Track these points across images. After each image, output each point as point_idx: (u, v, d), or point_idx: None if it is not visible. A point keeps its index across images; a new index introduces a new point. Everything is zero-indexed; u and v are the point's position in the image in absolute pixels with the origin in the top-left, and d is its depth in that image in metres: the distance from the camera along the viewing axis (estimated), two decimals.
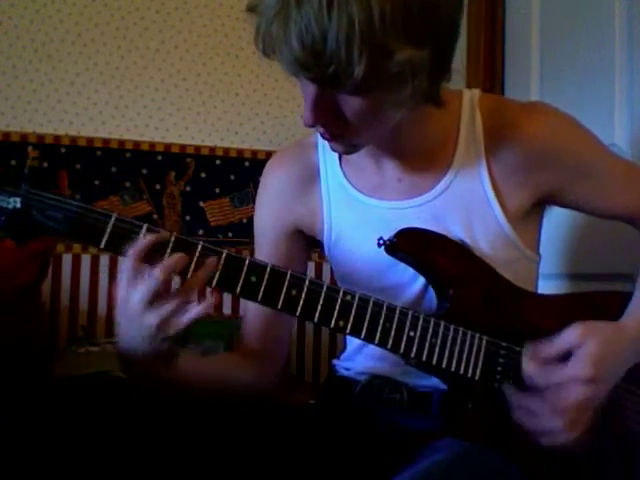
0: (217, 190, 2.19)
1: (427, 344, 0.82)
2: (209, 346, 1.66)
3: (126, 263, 0.74)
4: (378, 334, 0.81)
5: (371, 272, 0.95)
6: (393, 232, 0.87)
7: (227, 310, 2.11)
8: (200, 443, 0.83)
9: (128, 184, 2.11)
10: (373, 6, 0.66)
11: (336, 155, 0.98)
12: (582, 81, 1.68)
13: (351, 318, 0.80)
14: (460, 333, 0.83)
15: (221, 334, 1.73)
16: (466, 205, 0.91)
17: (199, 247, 0.76)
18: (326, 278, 2.15)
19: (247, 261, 0.77)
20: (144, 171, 2.13)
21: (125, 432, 0.81)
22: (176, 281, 0.76)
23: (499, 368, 0.84)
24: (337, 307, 0.79)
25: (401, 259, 0.89)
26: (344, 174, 0.98)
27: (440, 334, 0.83)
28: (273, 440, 0.88)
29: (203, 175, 2.18)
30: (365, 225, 0.95)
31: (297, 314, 0.79)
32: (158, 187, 2.14)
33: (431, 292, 0.91)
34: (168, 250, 0.75)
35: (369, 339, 0.81)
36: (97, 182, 2.08)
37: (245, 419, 0.92)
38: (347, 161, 0.98)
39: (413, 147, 0.92)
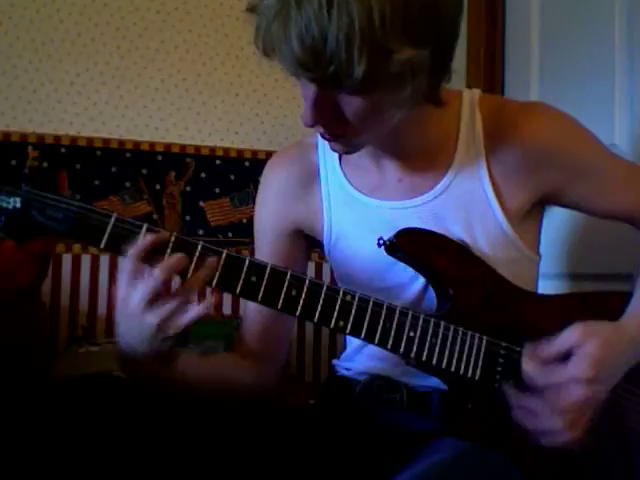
0: (217, 190, 2.19)
1: (427, 344, 0.82)
2: (209, 346, 1.66)
3: (126, 263, 0.74)
4: (378, 334, 0.81)
5: (371, 272, 0.95)
6: (393, 232, 0.87)
7: (227, 310, 2.11)
8: (200, 443, 0.83)
9: (128, 184, 2.11)
10: (373, 6, 0.65)
11: (336, 155, 0.98)
12: (582, 81, 1.68)
13: (351, 318, 0.80)
14: (460, 333, 0.83)
15: (221, 334, 1.73)
16: (466, 205, 0.91)
17: (199, 247, 0.76)
18: (326, 278, 2.15)
19: (247, 261, 0.77)
20: (144, 171, 2.12)
21: (125, 432, 0.81)
22: (176, 281, 0.76)
23: (499, 368, 0.84)
24: (337, 307, 0.79)
25: (401, 259, 0.89)
26: (344, 174, 0.98)
27: (440, 334, 0.83)
28: (273, 440, 0.88)
29: (203, 175, 2.18)
30: (365, 225, 0.95)
31: (297, 314, 0.79)
32: (158, 187, 2.14)
33: (431, 292, 0.91)
34: (168, 250, 0.75)
35: (369, 339, 0.81)
36: (97, 182, 2.08)
37: (245, 419, 0.92)
38: (347, 161, 0.98)
39: (413, 147, 0.92)
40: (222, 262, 0.76)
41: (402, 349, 0.81)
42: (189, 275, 0.75)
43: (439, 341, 0.82)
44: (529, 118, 0.90)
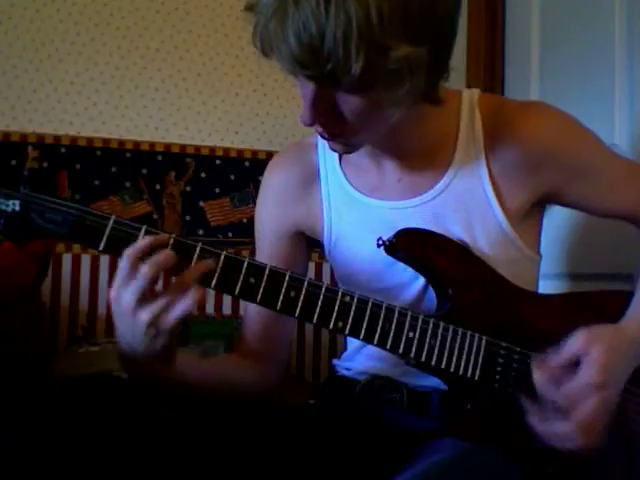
0: (217, 190, 2.19)
1: (426, 345, 0.82)
2: (209, 346, 1.66)
3: (121, 263, 0.74)
4: (377, 335, 0.81)
5: (371, 272, 0.95)
6: (392, 232, 0.87)
7: (227, 310, 2.11)
8: (200, 443, 0.83)
9: (128, 184, 2.11)
10: (370, 3, 0.66)
11: (336, 155, 0.98)
12: (582, 80, 1.67)
13: (350, 319, 0.80)
14: (460, 333, 0.83)
15: (221, 334, 1.73)
16: (466, 205, 0.91)
17: (198, 249, 0.76)
18: (326, 278, 2.15)
19: (246, 262, 0.77)
20: (144, 171, 2.12)
21: (125, 432, 0.81)
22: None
23: (499, 368, 0.84)
24: (336, 308, 0.79)
25: (401, 259, 0.89)
26: (344, 174, 0.98)
27: (439, 335, 0.82)
28: (273, 440, 0.88)
29: (203, 175, 2.18)
30: (365, 225, 0.95)
31: (296, 315, 0.79)
32: (158, 187, 2.14)
33: (431, 292, 0.91)
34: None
35: (368, 340, 0.81)
36: (97, 182, 2.08)
37: (245, 419, 0.92)
38: (347, 161, 0.98)
39: (412, 147, 0.92)
40: (221, 263, 0.76)
41: (401, 349, 0.81)
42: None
43: (438, 342, 0.82)
44: (529, 118, 0.90)
